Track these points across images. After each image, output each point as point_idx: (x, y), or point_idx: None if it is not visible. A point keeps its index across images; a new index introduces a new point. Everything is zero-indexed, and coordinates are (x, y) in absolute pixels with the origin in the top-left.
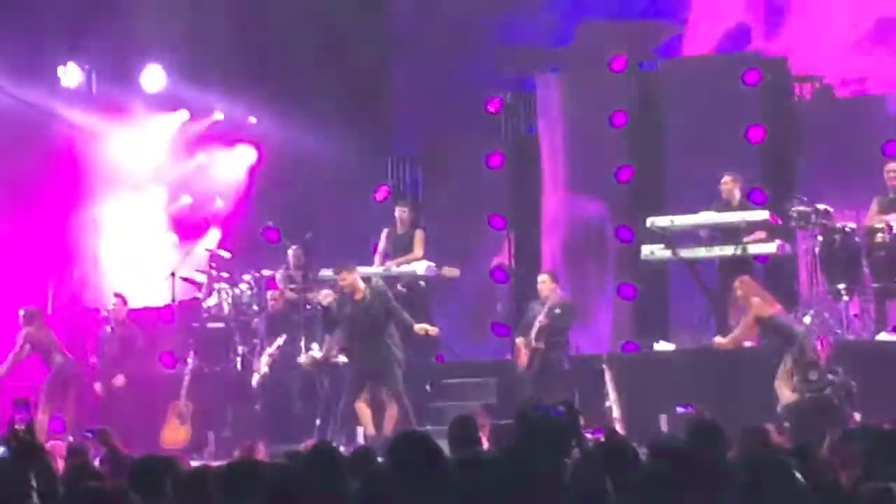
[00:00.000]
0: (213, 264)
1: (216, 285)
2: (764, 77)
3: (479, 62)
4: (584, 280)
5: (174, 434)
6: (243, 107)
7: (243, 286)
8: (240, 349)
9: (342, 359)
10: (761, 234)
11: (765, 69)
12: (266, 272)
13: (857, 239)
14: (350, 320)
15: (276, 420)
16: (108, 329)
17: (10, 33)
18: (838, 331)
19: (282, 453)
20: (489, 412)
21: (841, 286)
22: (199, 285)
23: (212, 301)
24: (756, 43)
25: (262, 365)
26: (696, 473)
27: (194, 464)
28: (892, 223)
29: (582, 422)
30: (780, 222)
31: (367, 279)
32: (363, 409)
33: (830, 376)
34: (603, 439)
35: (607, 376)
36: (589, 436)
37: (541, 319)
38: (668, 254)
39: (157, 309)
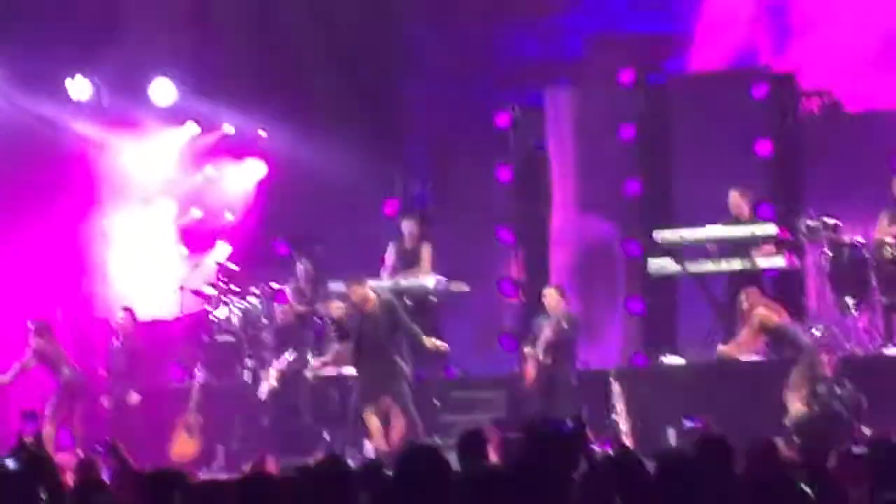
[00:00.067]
0: (223, 277)
1: (225, 298)
2: (772, 91)
3: (487, 77)
4: (593, 294)
5: (183, 447)
6: (253, 120)
7: (252, 299)
8: (249, 362)
9: (351, 371)
10: (770, 248)
11: (773, 84)
12: (275, 285)
13: (865, 253)
14: (359, 333)
15: (285, 433)
16: (116, 342)
17: (20, 45)
18: (847, 345)
19: (291, 467)
20: (497, 426)
21: (849, 300)
22: (208, 298)
23: (221, 314)
24: (764, 58)
25: (270, 378)
26: (704, 488)
27: (203, 477)
28: None
29: (590, 435)
30: (788, 236)
31: (376, 292)
32: (373, 421)
33: (839, 390)
34: (611, 453)
35: (615, 390)
36: (597, 449)
37: (547, 334)
38: (676, 267)
39: (167, 322)
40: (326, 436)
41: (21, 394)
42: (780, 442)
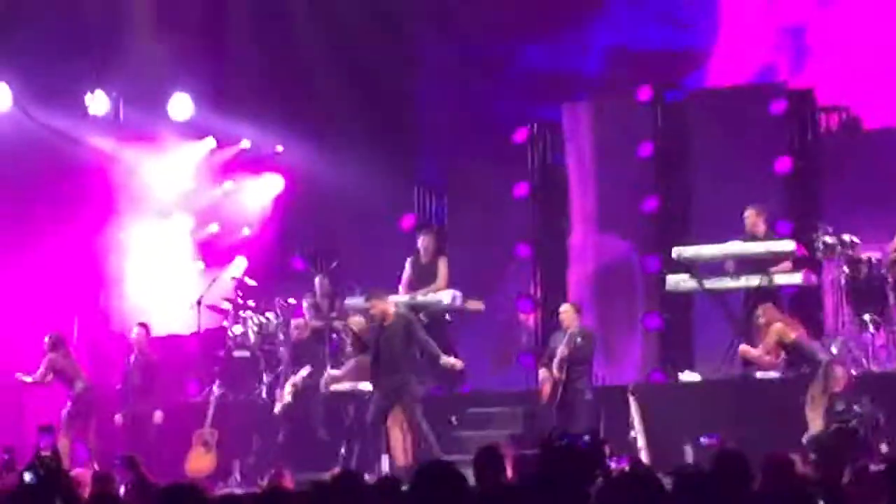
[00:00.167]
0: (240, 292)
1: (242, 314)
2: (790, 107)
3: (504, 92)
4: (611, 310)
5: (199, 462)
6: (270, 136)
7: (269, 315)
8: (265, 378)
9: (367, 386)
10: (787, 265)
11: (791, 100)
12: (292, 301)
13: (882, 270)
14: (376, 347)
15: (300, 448)
16: (132, 358)
17: (39, 61)
18: (864, 361)
19: (307, 482)
20: (513, 441)
21: (867, 317)
22: (225, 313)
23: (237, 329)
24: (782, 74)
25: (285, 394)
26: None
27: (219, 492)
28: None
29: (607, 451)
30: (806, 253)
31: (395, 307)
32: (395, 433)
33: (857, 407)
34: (627, 468)
35: (632, 406)
36: (613, 465)
37: (562, 350)
38: (693, 284)
39: (183, 337)
40: (342, 451)
41: (37, 408)
42: (797, 458)
